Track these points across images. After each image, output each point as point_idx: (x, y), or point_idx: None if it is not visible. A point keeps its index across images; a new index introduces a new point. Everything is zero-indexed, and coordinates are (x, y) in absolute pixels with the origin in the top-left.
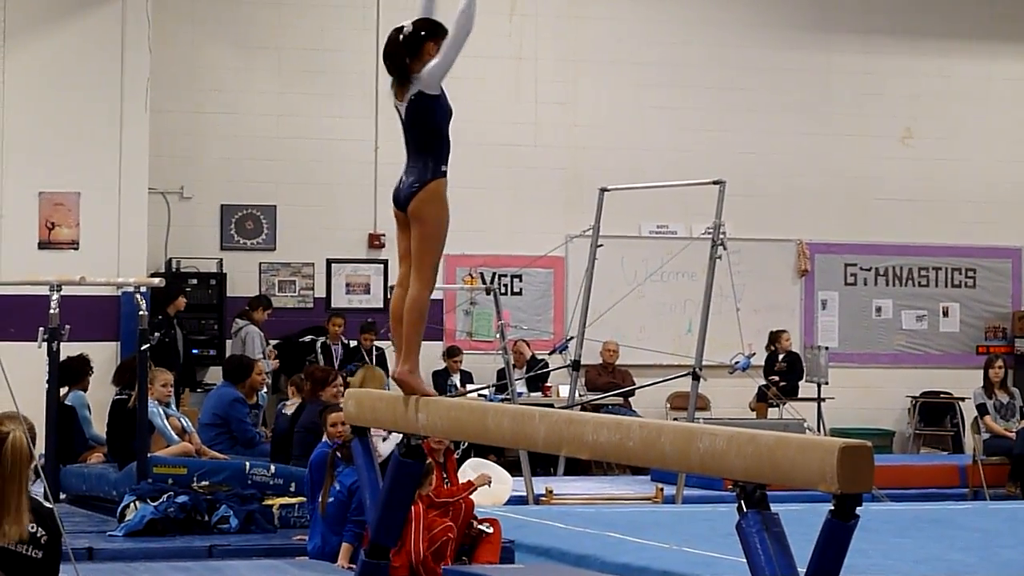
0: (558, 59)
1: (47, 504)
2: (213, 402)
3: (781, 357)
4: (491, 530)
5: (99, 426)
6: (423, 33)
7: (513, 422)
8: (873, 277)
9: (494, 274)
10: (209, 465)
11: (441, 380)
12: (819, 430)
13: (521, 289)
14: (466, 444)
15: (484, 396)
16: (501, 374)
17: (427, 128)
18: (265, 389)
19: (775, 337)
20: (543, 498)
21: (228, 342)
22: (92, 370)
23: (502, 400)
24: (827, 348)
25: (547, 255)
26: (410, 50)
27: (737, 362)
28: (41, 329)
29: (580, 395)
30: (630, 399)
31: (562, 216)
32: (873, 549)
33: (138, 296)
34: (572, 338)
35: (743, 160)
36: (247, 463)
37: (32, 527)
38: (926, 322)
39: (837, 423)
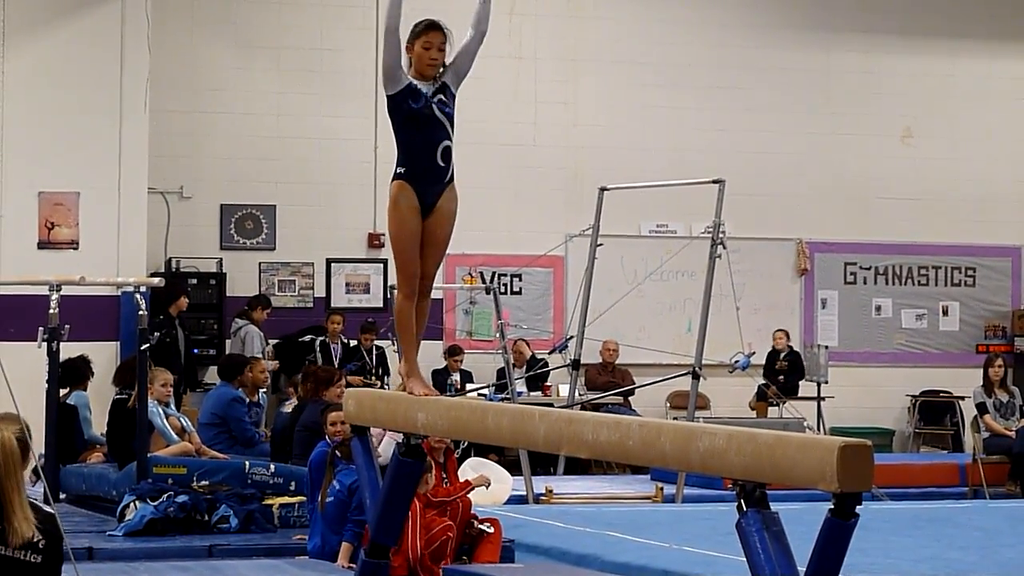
0: (558, 59)
1: (46, 508)
2: (212, 402)
3: (782, 355)
4: (492, 530)
5: (99, 426)
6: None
7: (513, 421)
8: (873, 276)
9: (494, 273)
10: (209, 465)
11: (441, 379)
12: (819, 429)
13: (521, 288)
14: (466, 443)
15: (484, 395)
16: (501, 373)
17: None
18: (264, 389)
19: (774, 336)
20: (543, 497)
21: (228, 342)
22: (93, 372)
23: (502, 399)
24: (827, 347)
25: (547, 254)
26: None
27: (737, 361)
28: (41, 329)
29: (580, 394)
30: (630, 398)
31: (562, 215)
32: (873, 548)
33: (138, 296)
34: (572, 337)
35: (743, 159)
36: (247, 463)
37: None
38: (926, 321)
39: (837, 422)
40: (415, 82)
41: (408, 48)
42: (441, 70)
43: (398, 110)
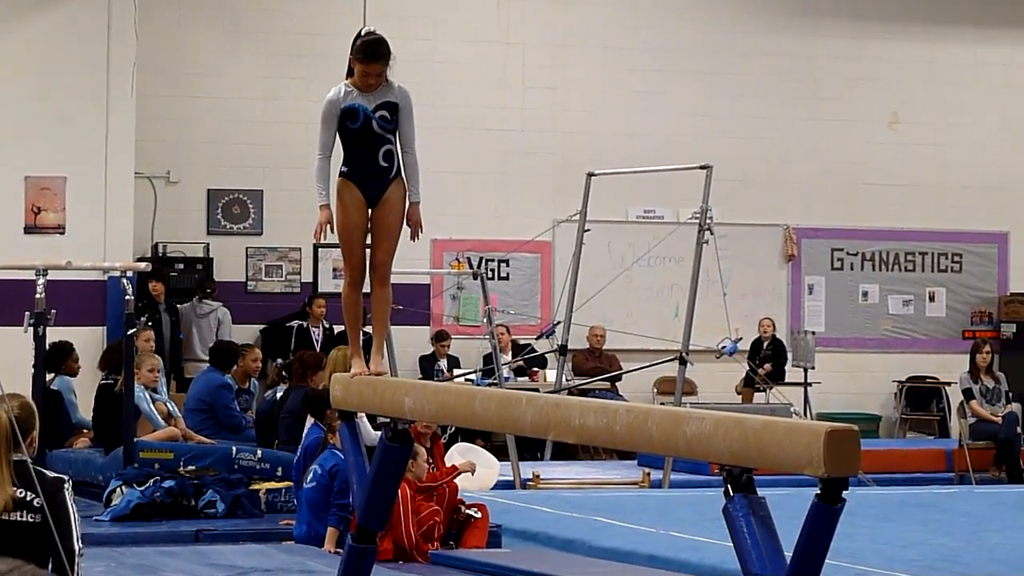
0: (546, 44)
1: (51, 474)
2: (199, 387)
3: (766, 344)
4: (479, 515)
5: (85, 411)
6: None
7: (500, 406)
8: (859, 262)
9: (481, 259)
10: (195, 450)
11: (428, 365)
12: (805, 415)
13: (508, 274)
14: (453, 429)
15: (471, 381)
16: (488, 359)
17: None
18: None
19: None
20: (530, 483)
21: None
22: (77, 357)
23: (489, 385)
24: (813, 333)
25: (534, 240)
26: None
27: (724, 347)
28: (27, 314)
29: (567, 380)
30: (617, 384)
31: (549, 201)
32: (859, 533)
33: (124, 281)
34: (559, 323)
35: (730, 145)
36: (234, 448)
37: (21, 492)
38: (912, 307)
39: (823, 408)
40: (352, 104)
41: (351, 60)
42: (389, 86)
43: (340, 128)
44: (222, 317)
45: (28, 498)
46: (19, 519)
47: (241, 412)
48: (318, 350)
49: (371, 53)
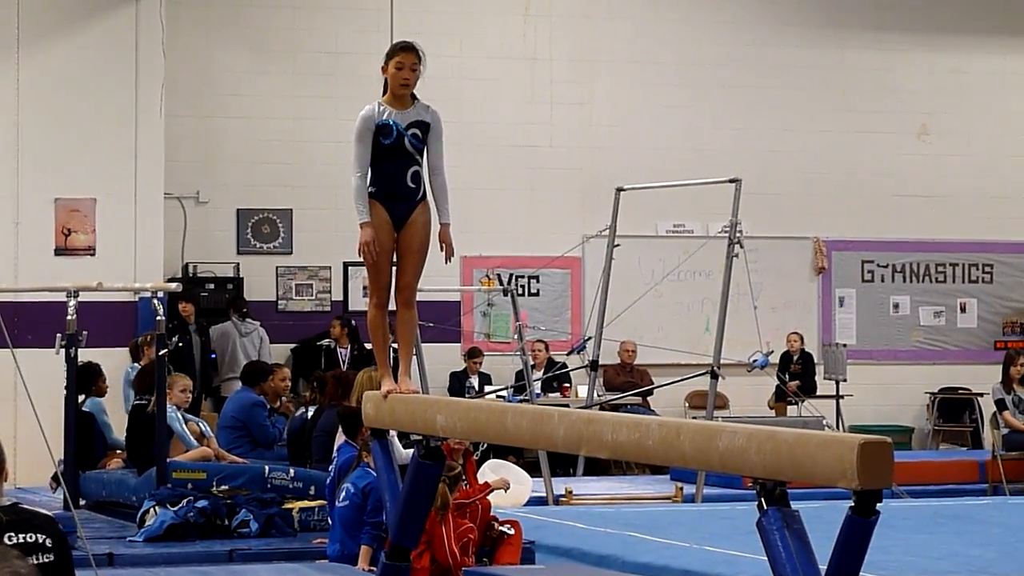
0: (573, 59)
1: (43, 512)
2: (232, 405)
3: (795, 358)
4: (512, 531)
5: (118, 431)
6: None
7: (532, 422)
8: (890, 273)
9: (511, 275)
10: (228, 469)
11: (460, 382)
12: (838, 427)
13: (538, 290)
14: (485, 445)
15: (503, 397)
16: (520, 375)
17: None
18: (286, 396)
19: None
20: (563, 499)
21: (239, 341)
22: (106, 377)
23: (520, 401)
24: (845, 345)
25: (564, 256)
26: None
27: (755, 360)
28: (59, 335)
29: (598, 395)
30: (648, 399)
31: (578, 216)
32: (893, 545)
33: (155, 301)
34: (590, 338)
35: (759, 158)
36: (266, 467)
37: (31, 536)
38: (944, 318)
39: (856, 420)
40: (386, 120)
41: (383, 69)
42: (421, 106)
43: (372, 144)
44: (263, 336)
45: (38, 541)
46: (35, 562)
47: (274, 428)
48: (344, 369)
49: (405, 45)
